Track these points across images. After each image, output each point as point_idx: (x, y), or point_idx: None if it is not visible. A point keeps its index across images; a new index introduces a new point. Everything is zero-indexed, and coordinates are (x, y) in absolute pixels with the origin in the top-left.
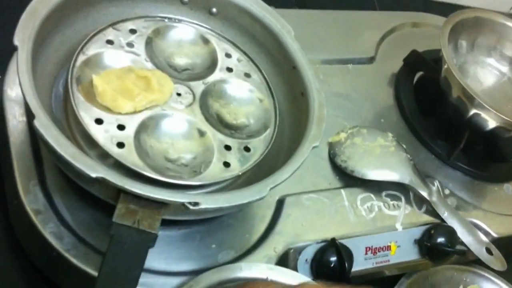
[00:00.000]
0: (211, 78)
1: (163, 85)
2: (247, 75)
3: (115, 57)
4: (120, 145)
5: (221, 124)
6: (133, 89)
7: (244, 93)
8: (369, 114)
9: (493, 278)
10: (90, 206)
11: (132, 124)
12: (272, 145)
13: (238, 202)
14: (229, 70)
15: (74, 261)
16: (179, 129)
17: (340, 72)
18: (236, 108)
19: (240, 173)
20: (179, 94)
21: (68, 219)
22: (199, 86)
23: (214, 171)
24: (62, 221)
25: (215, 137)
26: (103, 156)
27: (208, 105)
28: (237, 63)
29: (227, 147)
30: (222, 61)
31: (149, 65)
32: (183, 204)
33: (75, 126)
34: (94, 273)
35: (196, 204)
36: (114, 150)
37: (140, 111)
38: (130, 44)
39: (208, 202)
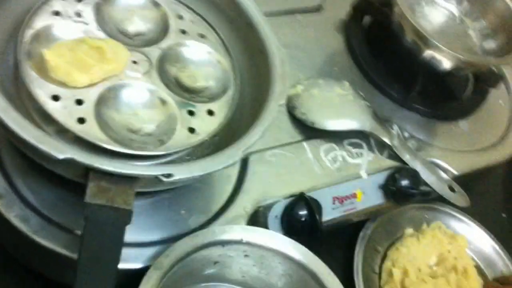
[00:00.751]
0: (165, 42)
1: (117, 54)
2: (202, 36)
3: (65, 28)
4: (81, 120)
5: (181, 88)
6: (87, 61)
7: (201, 55)
8: (323, 64)
9: (454, 213)
10: (54, 184)
11: (90, 97)
12: (236, 106)
13: (212, 169)
14: (183, 32)
15: (43, 242)
16: (139, 98)
17: (289, 23)
18: (194, 71)
19: (207, 138)
20: (135, 62)
21: (32, 200)
22: (154, 52)
23: (180, 138)
24: (26, 203)
25: (177, 103)
26: (62, 131)
27: (166, 70)
28: (191, 25)
29: (190, 112)
30: (175, 24)
31: (101, 34)
32: (156, 177)
33: (29, 104)
34: (66, 253)
35: (169, 175)
36: (76, 127)
37: (97, 83)
38: (78, 14)
39: (182, 173)
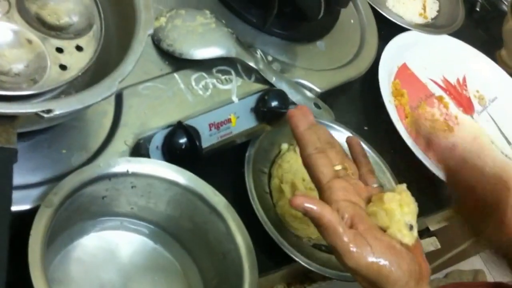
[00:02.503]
0: None
1: None
2: None
3: None
4: None
5: (44, 26)
6: None
7: None
8: None
9: (323, 122)
10: None
11: None
12: (103, 39)
13: (91, 102)
14: None
15: None
16: (4, 39)
17: None
18: (55, 7)
19: (80, 73)
20: None
21: None
22: None
23: (53, 76)
24: None
25: (44, 41)
26: None
27: (26, 9)
28: None
29: (59, 50)
30: None
31: None
32: (36, 113)
33: None
34: None
35: (49, 111)
36: None
37: None
38: None
39: (62, 107)
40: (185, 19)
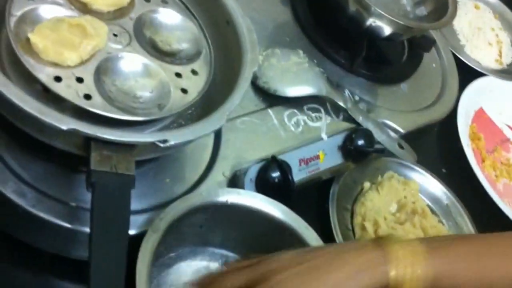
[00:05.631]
0: (134, 13)
1: (97, 29)
2: (165, 2)
3: (43, 10)
4: (87, 96)
5: (160, 53)
6: (72, 39)
7: (169, 19)
8: (275, 35)
9: (404, 162)
10: (42, 159)
11: (87, 74)
12: (214, 63)
13: (203, 133)
14: (147, 0)
15: (43, 215)
16: (131, 68)
17: None
18: (166, 35)
19: (199, 96)
20: (115, 35)
21: (25, 176)
22: (128, 23)
23: (176, 100)
24: (19, 178)
25: (163, 68)
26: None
27: (143, 38)
28: None
29: (178, 75)
30: None
31: (76, 12)
32: (153, 143)
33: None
34: (64, 224)
35: (165, 141)
36: (86, 103)
37: (88, 59)
38: None
39: (176, 138)
40: (280, 58)
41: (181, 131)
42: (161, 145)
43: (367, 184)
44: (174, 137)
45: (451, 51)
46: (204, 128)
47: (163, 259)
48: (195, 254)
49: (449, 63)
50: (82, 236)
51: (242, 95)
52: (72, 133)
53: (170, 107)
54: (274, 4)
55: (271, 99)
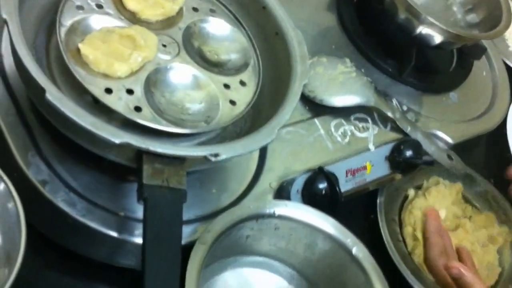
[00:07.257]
0: (183, 22)
1: (147, 40)
2: (213, 11)
3: (93, 20)
4: (138, 108)
5: (208, 64)
6: (123, 50)
7: (218, 29)
8: (321, 43)
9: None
10: (91, 169)
11: (137, 85)
12: (262, 74)
13: (253, 148)
14: (195, 10)
15: (92, 225)
16: (180, 79)
17: (284, 4)
18: (214, 46)
19: (248, 108)
20: (164, 46)
21: (74, 185)
22: (177, 33)
23: (225, 112)
24: (69, 188)
25: (212, 79)
26: (112, 120)
27: (191, 49)
28: (200, 1)
29: (226, 86)
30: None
31: (125, 22)
32: (205, 157)
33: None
34: (113, 234)
35: (216, 155)
36: (137, 115)
37: (138, 70)
38: (99, 5)
39: (228, 152)
40: (326, 67)
41: (231, 145)
42: (213, 159)
43: (411, 192)
44: (225, 151)
45: (501, 58)
46: (255, 142)
47: (209, 268)
48: (240, 263)
49: (500, 72)
50: (129, 246)
51: (292, 109)
52: (124, 147)
53: (219, 120)
54: (320, 11)
55: (317, 108)
